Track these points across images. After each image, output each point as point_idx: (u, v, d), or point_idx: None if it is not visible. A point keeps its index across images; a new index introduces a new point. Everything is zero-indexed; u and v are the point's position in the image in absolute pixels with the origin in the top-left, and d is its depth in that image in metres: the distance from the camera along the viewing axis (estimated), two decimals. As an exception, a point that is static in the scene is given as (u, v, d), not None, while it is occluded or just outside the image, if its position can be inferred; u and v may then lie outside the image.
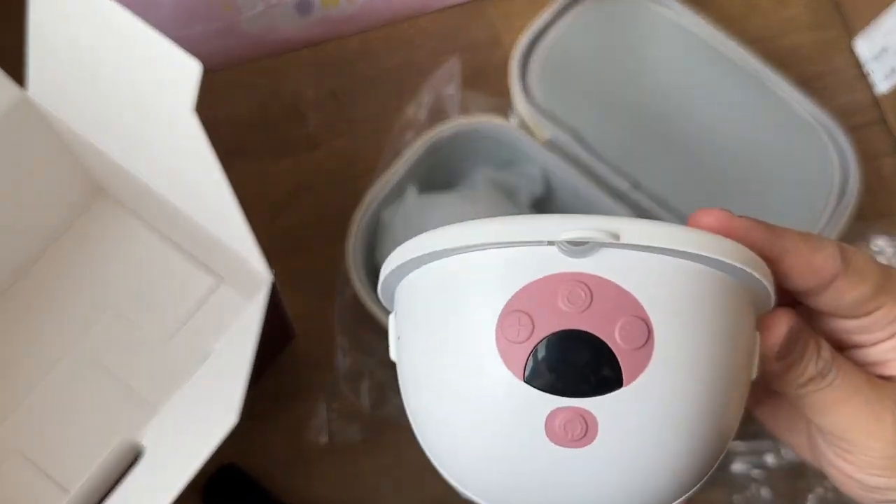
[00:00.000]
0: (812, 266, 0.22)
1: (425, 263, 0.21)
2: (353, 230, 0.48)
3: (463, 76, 0.54)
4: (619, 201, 0.49)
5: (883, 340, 0.24)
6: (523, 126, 0.51)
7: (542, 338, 0.19)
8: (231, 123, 0.56)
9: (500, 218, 0.20)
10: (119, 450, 0.41)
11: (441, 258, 0.21)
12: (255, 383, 0.51)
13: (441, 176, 0.51)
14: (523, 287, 0.19)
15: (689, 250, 0.19)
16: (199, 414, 0.41)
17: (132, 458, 0.42)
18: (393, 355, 0.23)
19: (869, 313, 0.23)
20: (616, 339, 0.19)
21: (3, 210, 0.48)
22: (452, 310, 0.20)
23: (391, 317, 0.23)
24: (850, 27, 0.61)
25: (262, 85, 0.57)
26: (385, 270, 0.23)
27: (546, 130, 0.50)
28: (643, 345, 0.19)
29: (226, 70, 0.57)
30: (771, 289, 0.20)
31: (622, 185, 0.50)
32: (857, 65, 0.60)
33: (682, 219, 0.50)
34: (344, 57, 0.58)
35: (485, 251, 0.20)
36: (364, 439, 0.50)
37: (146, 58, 0.37)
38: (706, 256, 0.19)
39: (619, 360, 0.19)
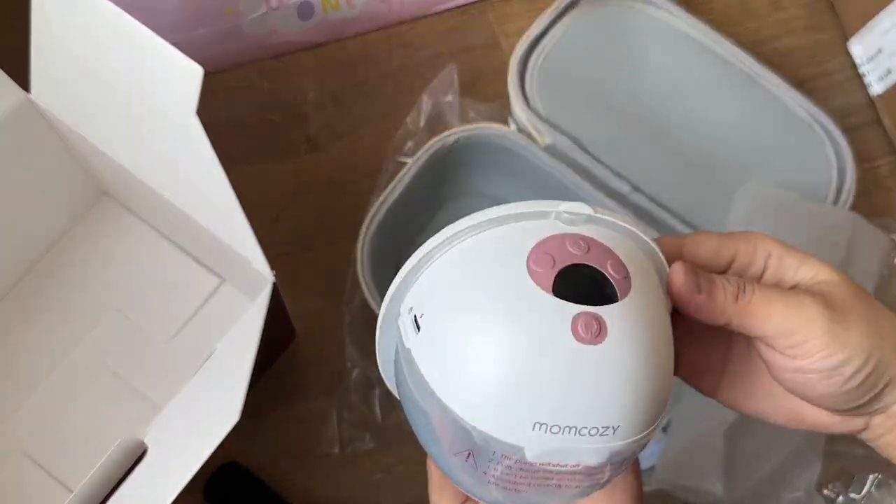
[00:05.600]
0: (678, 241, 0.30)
1: (462, 239, 0.28)
2: (361, 239, 0.49)
3: (461, 79, 0.55)
4: (619, 204, 0.49)
5: (762, 275, 0.29)
6: (523, 131, 0.52)
7: (561, 268, 0.26)
8: (233, 126, 0.56)
9: (516, 203, 0.28)
10: (122, 448, 0.41)
11: (471, 235, 0.28)
12: (256, 382, 0.51)
13: (443, 182, 0.52)
14: (541, 240, 0.27)
15: (627, 227, 0.29)
16: (202, 413, 0.41)
17: (135, 456, 0.42)
18: (409, 342, 0.28)
19: (730, 261, 0.29)
20: (609, 271, 0.26)
21: (6, 211, 0.48)
22: (490, 261, 0.27)
23: (402, 313, 0.28)
24: (845, 29, 0.61)
25: (264, 88, 0.58)
26: (417, 255, 0.28)
27: (546, 135, 0.51)
28: (625, 276, 0.26)
29: (228, 73, 0.58)
30: (662, 257, 0.29)
31: (622, 187, 0.50)
32: (852, 66, 0.61)
33: (681, 219, 0.50)
34: (344, 60, 0.59)
35: (505, 226, 0.28)
36: (375, 449, 0.51)
37: (149, 61, 0.37)
38: (635, 233, 0.29)
39: (614, 284, 0.26)
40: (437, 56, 0.59)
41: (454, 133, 0.50)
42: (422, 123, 0.54)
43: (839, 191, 0.52)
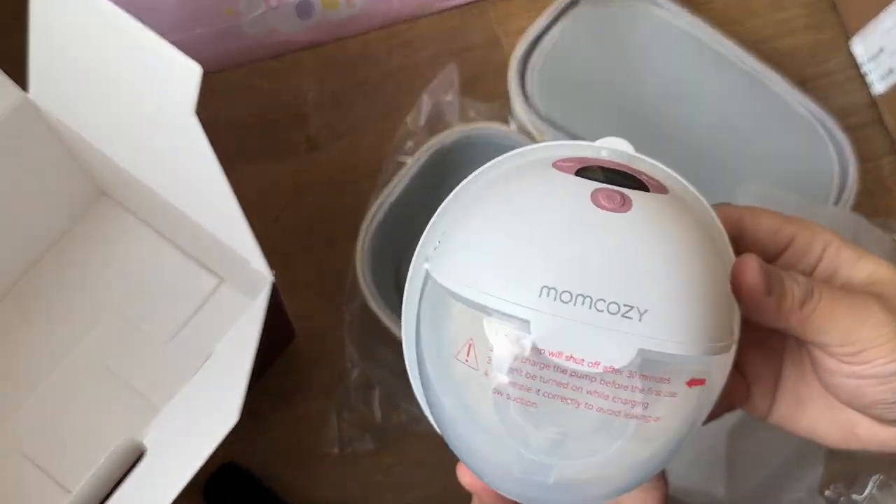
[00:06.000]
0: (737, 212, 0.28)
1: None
2: (361, 239, 0.49)
3: (462, 78, 0.54)
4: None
5: (816, 265, 0.28)
6: (523, 131, 0.52)
7: (588, 165, 0.24)
8: (232, 125, 0.56)
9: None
10: (121, 449, 0.41)
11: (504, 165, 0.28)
12: (255, 383, 0.51)
13: (443, 182, 0.51)
14: (560, 159, 0.25)
15: (680, 179, 0.27)
16: (201, 413, 0.41)
17: (134, 457, 0.42)
18: (426, 265, 0.26)
19: (787, 244, 0.28)
20: (644, 178, 0.24)
21: (5, 212, 0.48)
22: (514, 172, 0.26)
23: (423, 241, 0.27)
24: (847, 28, 0.61)
25: (263, 87, 0.58)
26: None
27: (546, 135, 0.50)
28: (658, 186, 0.24)
29: (227, 72, 0.57)
30: (719, 223, 0.27)
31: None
32: (854, 66, 0.61)
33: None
34: (344, 59, 0.59)
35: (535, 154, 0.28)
36: (375, 449, 0.51)
37: (147, 61, 0.37)
38: (688, 188, 0.27)
39: (646, 183, 0.24)
40: (438, 55, 0.59)
41: (454, 133, 0.50)
42: (422, 123, 0.54)
43: (841, 190, 0.52)
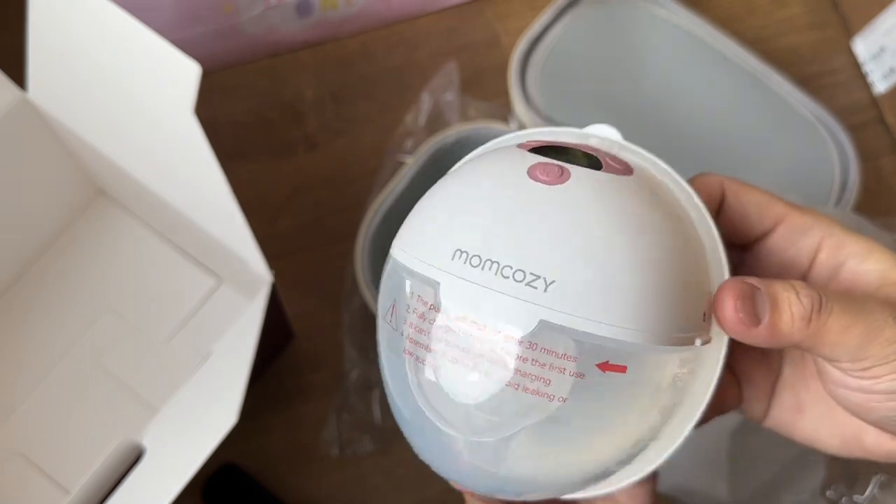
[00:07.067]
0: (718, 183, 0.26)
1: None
2: (360, 239, 0.48)
3: (462, 77, 0.54)
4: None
5: (815, 255, 0.26)
6: (523, 129, 0.52)
7: (550, 145, 0.24)
8: (230, 125, 0.56)
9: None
10: (119, 450, 0.41)
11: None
12: (254, 384, 0.51)
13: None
14: (527, 142, 0.25)
15: (658, 162, 0.27)
16: (200, 414, 0.41)
17: (133, 458, 0.42)
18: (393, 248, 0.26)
19: (774, 225, 0.26)
20: (608, 161, 0.24)
21: (2, 211, 0.48)
22: (495, 148, 0.27)
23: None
24: (849, 27, 0.61)
25: (262, 86, 0.57)
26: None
27: (545, 132, 0.51)
28: (623, 169, 0.24)
29: (225, 71, 0.57)
30: (702, 206, 0.26)
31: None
32: (855, 65, 0.61)
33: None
34: (343, 58, 0.59)
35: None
36: (374, 450, 0.51)
37: (146, 59, 0.37)
38: (669, 172, 0.27)
39: (603, 162, 0.23)
40: (437, 54, 0.59)
41: (454, 131, 0.50)
42: (422, 122, 0.54)
43: (842, 190, 0.52)
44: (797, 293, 0.23)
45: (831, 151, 0.52)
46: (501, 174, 0.23)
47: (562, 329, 0.21)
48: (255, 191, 0.55)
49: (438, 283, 0.22)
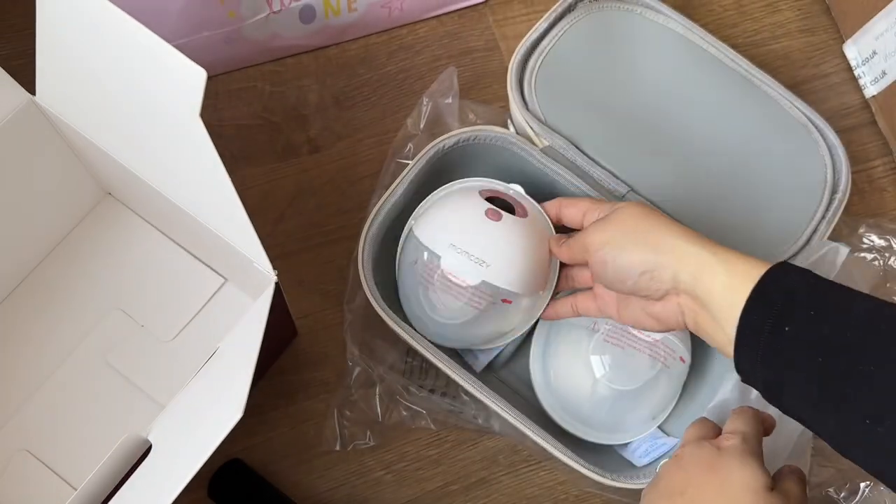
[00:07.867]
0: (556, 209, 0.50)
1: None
2: (362, 239, 0.49)
3: (461, 81, 0.55)
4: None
5: (583, 217, 0.48)
6: (521, 133, 0.52)
7: (494, 195, 0.50)
8: (235, 128, 0.57)
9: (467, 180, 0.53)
10: (126, 446, 0.41)
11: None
12: (258, 381, 0.52)
13: (443, 183, 0.52)
14: (484, 189, 0.51)
15: (533, 203, 0.52)
16: (205, 410, 0.42)
17: (139, 453, 0.43)
18: (412, 221, 0.51)
19: (583, 217, 0.48)
20: (518, 207, 0.50)
21: (11, 211, 0.49)
22: (469, 186, 0.51)
23: (412, 218, 0.52)
24: (841, 32, 0.62)
25: (266, 90, 0.58)
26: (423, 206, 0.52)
27: (544, 137, 0.51)
28: (523, 212, 0.49)
29: (230, 75, 0.58)
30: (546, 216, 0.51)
31: (619, 188, 0.51)
32: (847, 68, 0.61)
33: (680, 217, 0.50)
34: (345, 63, 0.59)
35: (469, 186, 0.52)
36: (376, 446, 0.51)
37: (152, 64, 0.37)
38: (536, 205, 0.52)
39: (516, 209, 0.50)
40: (437, 59, 0.60)
41: (454, 135, 0.51)
42: (422, 125, 0.54)
43: (833, 191, 0.52)
44: (566, 241, 0.48)
45: (823, 153, 0.53)
46: (473, 209, 0.49)
47: (489, 284, 0.47)
48: (260, 192, 0.56)
49: (440, 257, 0.48)
